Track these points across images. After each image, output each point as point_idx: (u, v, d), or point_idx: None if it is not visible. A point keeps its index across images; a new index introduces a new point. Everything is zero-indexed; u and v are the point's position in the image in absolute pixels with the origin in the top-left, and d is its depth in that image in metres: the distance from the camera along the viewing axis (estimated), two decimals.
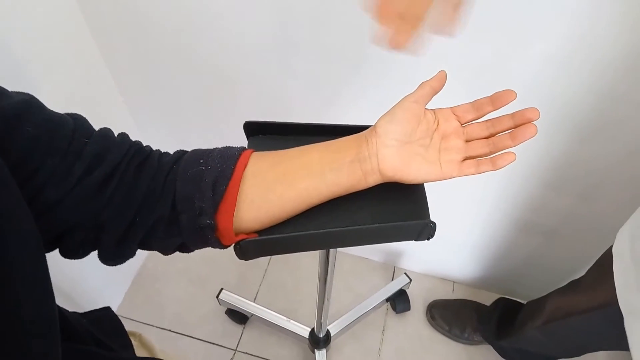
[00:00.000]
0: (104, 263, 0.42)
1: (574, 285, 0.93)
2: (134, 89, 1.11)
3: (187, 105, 1.12)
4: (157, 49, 0.97)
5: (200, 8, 0.85)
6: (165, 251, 0.44)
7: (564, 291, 0.96)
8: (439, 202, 0.81)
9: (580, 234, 1.06)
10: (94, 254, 0.41)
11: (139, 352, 0.58)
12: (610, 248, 0.73)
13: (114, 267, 0.42)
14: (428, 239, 0.48)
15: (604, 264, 0.71)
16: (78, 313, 0.53)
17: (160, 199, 0.41)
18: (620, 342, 0.65)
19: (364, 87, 0.90)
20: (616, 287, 0.66)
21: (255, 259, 0.44)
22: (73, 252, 0.40)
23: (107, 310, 0.57)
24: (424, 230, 0.47)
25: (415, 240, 0.48)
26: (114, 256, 0.41)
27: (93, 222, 0.38)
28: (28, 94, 0.36)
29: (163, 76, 1.04)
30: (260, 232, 0.45)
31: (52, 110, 0.38)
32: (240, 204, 0.42)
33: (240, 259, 0.45)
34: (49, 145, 0.35)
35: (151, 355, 0.62)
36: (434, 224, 0.46)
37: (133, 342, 0.56)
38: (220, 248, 0.45)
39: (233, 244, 0.44)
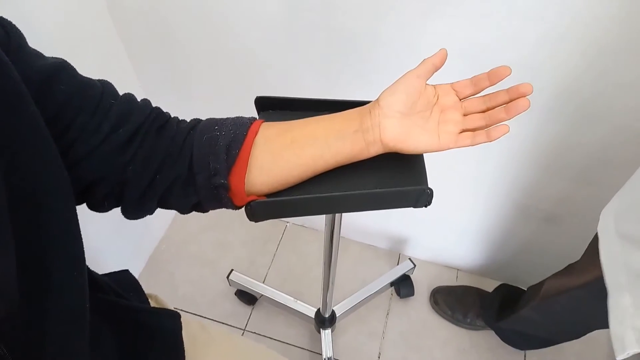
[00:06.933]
0: (126, 217, 0.46)
1: (569, 267, 0.96)
2: (149, 68, 1.15)
3: (199, 87, 1.16)
4: (174, 31, 1.01)
5: None
6: (182, 209, 0.48)
7: (560, 274, 0.98)
8: (440, 184, 0.84)
9: (578, 219, 1.09)
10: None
11: None
12: None
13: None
14: (426, 206, 0.51)
15: (594, 244, 0.73)
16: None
17: (179, 160, 0.44)
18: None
19: (373, 70, 0.93)
20: (602, 264, 0.67)
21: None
22: (99, 204, 0.44)
23: (126, 272, 0.61)
24: (422, 196, 0.50)
25: (414, 206, 0.51)
26: (135, 210, 0.45)
27: (117, 177, 0.42)
28: (61, 58, 0.40)
29: (178, 57, 1.08)
30: (269, 195, 0.49)
31: (82, 74, 0.42)
32: (251, 168, 0.46)
33: (250, 219, 0.49)
34: (80, 104, 0.39)
35: None
36: (431, 190, 0.49)
37: (150, 301, 0.60)
38: (233, 208, 0.48)
39: (244, 206, 0.48)
